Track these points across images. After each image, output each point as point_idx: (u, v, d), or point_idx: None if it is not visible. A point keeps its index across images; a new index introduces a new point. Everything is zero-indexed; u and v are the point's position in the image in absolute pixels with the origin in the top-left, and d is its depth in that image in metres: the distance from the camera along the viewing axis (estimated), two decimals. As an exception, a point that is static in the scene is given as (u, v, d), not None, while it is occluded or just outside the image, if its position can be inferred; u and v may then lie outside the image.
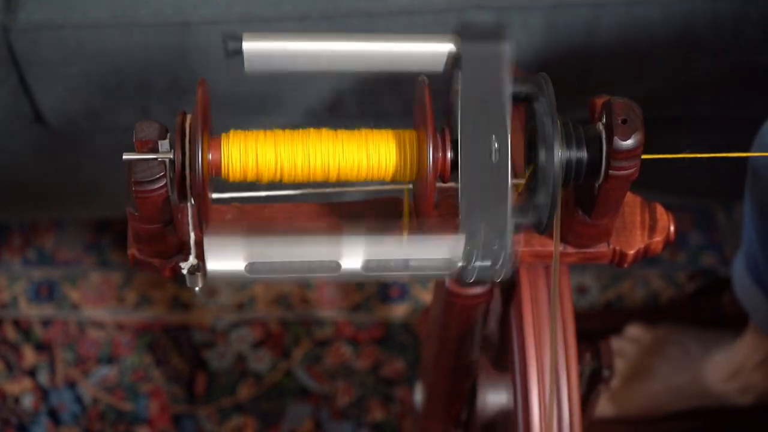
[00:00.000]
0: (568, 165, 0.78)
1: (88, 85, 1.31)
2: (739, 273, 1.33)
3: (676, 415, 1.51)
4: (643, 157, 0.78)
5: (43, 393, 1.62)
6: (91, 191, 1.53)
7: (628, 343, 1.54)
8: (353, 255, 0.77)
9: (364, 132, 0.79)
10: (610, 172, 0.78)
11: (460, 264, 0.77)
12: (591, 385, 1.06)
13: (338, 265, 0.76)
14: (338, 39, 0.80)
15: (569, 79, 1.30)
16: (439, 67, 0.80)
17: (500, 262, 0.77)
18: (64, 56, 1.28)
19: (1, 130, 1.41)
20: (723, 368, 1.46)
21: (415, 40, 0.79)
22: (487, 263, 0.77)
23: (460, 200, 0.77)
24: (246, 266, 0.76)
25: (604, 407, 1.51)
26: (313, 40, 0.79)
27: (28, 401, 1.62)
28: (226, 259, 0.76)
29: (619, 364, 1.52)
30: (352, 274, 0.78)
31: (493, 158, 0.76)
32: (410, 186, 0.83)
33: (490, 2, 1.25)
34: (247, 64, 0.78)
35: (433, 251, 0.77)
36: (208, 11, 1.25)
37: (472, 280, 0.78)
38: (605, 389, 1.05)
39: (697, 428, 1.54)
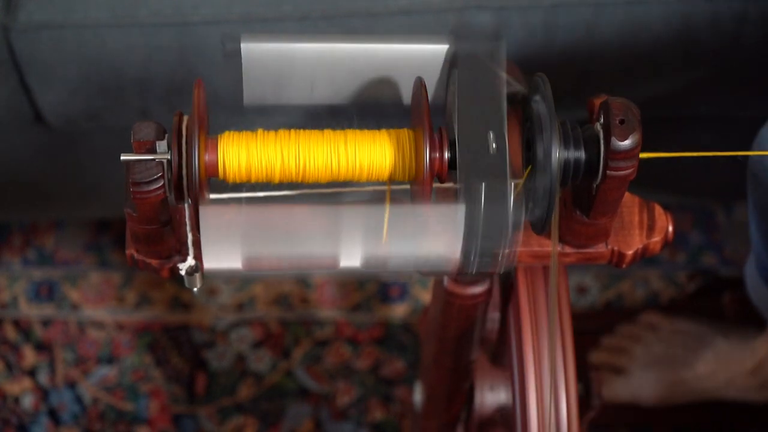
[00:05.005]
0: (566, 165, 0.78)
1: (88, 85, 1.31)
2: (750, 274, 1.33)
3: (690, 406, 1.51)
4: (642, 156, 0.79)
5: (43, 393, 1.62)
6: (91, 191, 1.53)
7: (645, 329, 1.53)
8: (352, 250, 0.77)
9: (361, 132, 0.79)
10: (608, 172, 0.78)
11: (459, 257, 0.77)
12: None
13: (336, 260, 0.77)
14: (337, 40, 0.80)
15: (569, 78, 1.30)
16: (436, 69, 0.80)
17: (500, 255, 0.77)
18: (64, 56, 1.28)
19: (1, 130, 1.41)
20: (745, 364, 1.45)
21: (412, 42, 0.80)
22: (488, 257, 0.77)
23: (458, 194, 0.77)
24: (243, 260, 0.76)
25: (618, 391, 1.50)
26: (312, 41, 0.79)
27: (28, 401, 1.62)
28: (223, 245, 0.76)
29: (638, 350, 1.51)
30: (351, 270, 0.78)
31: (491, 151, 0.76)
32: (390, 185, 0.83)
33: (490, 2, 1.24)
34: (246, 66, 0.79)
35: (433, 244, 0.77)
36: (207, 11, 1.25)
37: (473, 272, 0.78)
38: (591, 417, 1.04)
39: (710, 421, 1.53)
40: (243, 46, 0.78)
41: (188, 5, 1.25)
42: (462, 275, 0.95)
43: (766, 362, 1.43)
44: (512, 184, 0.76)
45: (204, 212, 0.74)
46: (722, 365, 1.47)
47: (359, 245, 0.77)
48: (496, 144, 0.76)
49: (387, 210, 0.84)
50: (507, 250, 0.77)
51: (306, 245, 0.77)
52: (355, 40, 0.79)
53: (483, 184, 0.74)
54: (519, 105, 0.81)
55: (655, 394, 1.50)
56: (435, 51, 0.80)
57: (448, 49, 0.80)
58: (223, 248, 0.76)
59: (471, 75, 0.78)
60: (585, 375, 1.04)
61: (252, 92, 0.82)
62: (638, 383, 1.50)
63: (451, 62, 0.79)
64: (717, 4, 1.25)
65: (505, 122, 0.77)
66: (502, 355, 1.06)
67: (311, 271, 0.79)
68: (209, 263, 0.77)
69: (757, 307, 1.33)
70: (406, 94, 0.83)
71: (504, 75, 0.78)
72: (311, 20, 1.25)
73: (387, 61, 0.81)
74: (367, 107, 1.34)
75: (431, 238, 0.78)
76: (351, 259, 0.77)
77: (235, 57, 0.79)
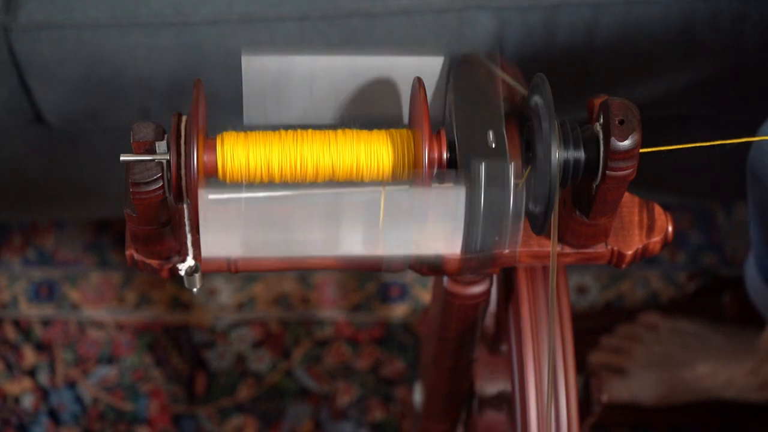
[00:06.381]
0: (565, 165, 0.79)
1: (88, 85, 1.31)
2: (750, 273, 1.33)
3: (690, 406, 1.51)
4: (642, 150, 0.79)
5: (43, 393, 1.62)
6: (91, 191, 1.53)
7: (644, 329, 1.53)
8: (351, 235, 0.77)
9: (359, 132, 0.80)
10: (608, 172, 0.78)
11: (461, 243, 0.77)
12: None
13: (336, 241, 0.77)
14: (336, 53, 0.80)
15: (569, 79, 1.30)
16: (434, 78, 0.80)
17: (502, 241, 0.77)
18: (64, 56, 1.28)
19: (1, 130, 1.41)
20: (744, 363, 1.45)
21: (409, 53, 0.80)
22: (490, 242, 0.77)
23: (457, 178, 0.77)
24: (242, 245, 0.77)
25: (618, 391, 1.50)
26: (312, 53, 0.80)
27: (28, 401, 1.62)
28: (222, 233, 0.77)
29: (638, 350, 1.51)
30: (350, 248, 0.78)
31: (491, 144, 0.76)
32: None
33: (490, 2, 1.24)
34: (246, 78, 0.79)
35: (433, 231, 0.77)
36: (208, 11, 1.25)
37: (474, 266, 0.78)
38: (591, 422, 1.04)
39: (710, 421, 1.53)
40: (243, 58, 0.78)
41: (188, 5, 1.25)
42: (464, 268, 0.94)
43: (766, 362, 1.43)
44: (512, 168, 0.76)
45: (203, 202, 0.75)
46: (722, 365, 1.47)
47: (358, 230, 0.77)
48: (495, 142, 0.76)
49: (382, 215, 0.84)
50: (509, 237, 0.77)
51: (304, 232, 0.77)
52: (353, 51, 0.80)
53: (483, 163, 0.75)
54: (518, 106, 0.81)
55: (655, 394, 1.50)
56: (432, 62, 0.80)
57: (445, 59, 0.81)
58: (222, 236, 0.76)
59: (469, 75, 0.78)
60: (586, 379, 1.04)
61: (252, 105, 0.82)
62: (638, 383, 1.50)
63: (450, 65, 0.80)
64: (717, 4, 1.25)
65: (503, 121, 0.77)
66: (500, 343, 1.06)
67: (309, 255, 0.79)
68: (207, 251, 0.77)
69: (757, 305, 1.33)
70: (405, 105, 0.83)
71: (500, 74, 0.78)
72: (311, 20, 1.24)
73: (385, 71, 0.81)
74: (366, 117, 1.34)
75: (431, 226, 0.78)
76: (350, 245, 0.77)
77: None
